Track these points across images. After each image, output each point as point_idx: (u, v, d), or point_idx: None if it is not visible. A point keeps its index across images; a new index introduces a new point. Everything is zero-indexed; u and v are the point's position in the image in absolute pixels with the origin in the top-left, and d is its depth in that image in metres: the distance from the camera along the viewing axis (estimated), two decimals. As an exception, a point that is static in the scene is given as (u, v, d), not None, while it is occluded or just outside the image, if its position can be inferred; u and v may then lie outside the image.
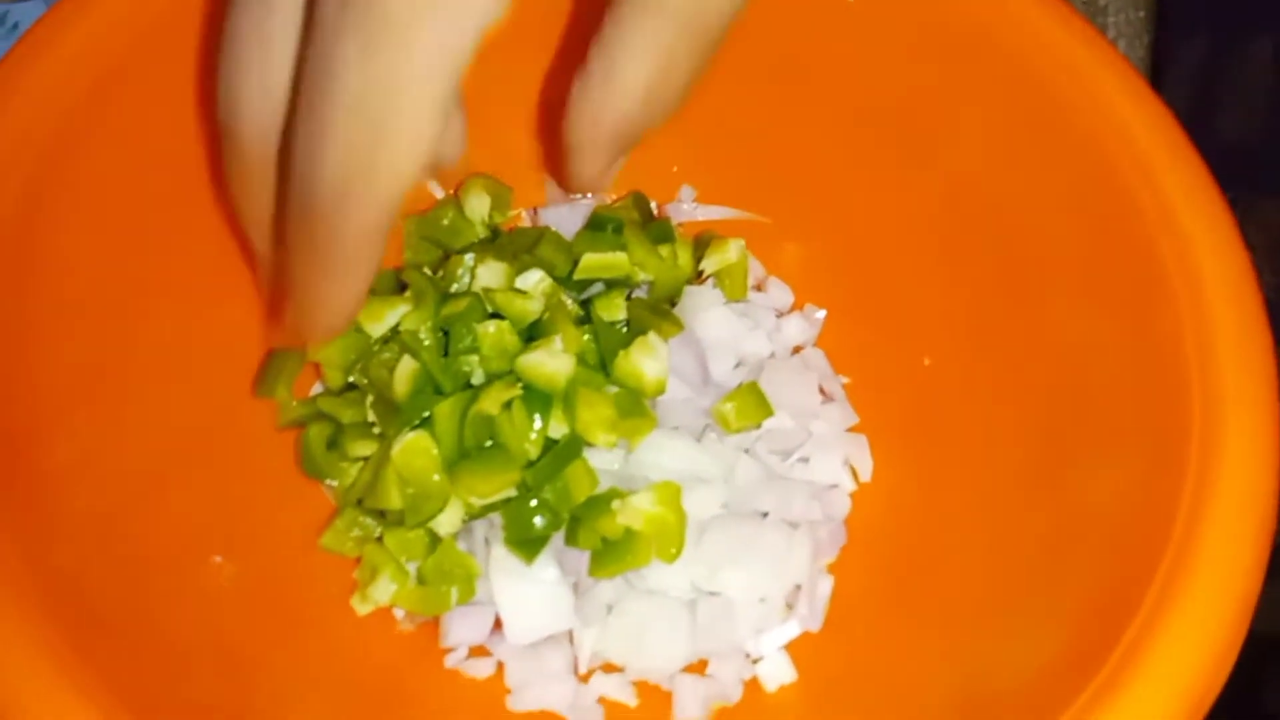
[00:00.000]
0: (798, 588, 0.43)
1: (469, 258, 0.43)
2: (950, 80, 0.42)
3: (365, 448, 0.42)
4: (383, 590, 0.40)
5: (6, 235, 0.35)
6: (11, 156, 0.36)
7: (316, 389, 0.45)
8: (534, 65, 0.46)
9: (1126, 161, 0.37)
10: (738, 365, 0.45)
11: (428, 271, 0.44)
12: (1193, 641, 0.31)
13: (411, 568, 0.41)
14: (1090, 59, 0.39)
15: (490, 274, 0.43)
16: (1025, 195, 0.41)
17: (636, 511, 0.40)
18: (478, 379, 0.41)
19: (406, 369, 0.41)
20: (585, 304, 0.43)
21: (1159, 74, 0.55)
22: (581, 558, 0.40)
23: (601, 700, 0.41)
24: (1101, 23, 0.58)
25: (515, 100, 0.47)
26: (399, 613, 0.43)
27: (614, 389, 0.41)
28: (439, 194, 0.48)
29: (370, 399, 0.42)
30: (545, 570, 0.41)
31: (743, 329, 0.45)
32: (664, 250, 0.45)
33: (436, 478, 0.39)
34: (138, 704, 0.30)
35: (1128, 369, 0.37)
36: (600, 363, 0.42)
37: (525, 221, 0.50)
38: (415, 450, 0.39)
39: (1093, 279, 0.39)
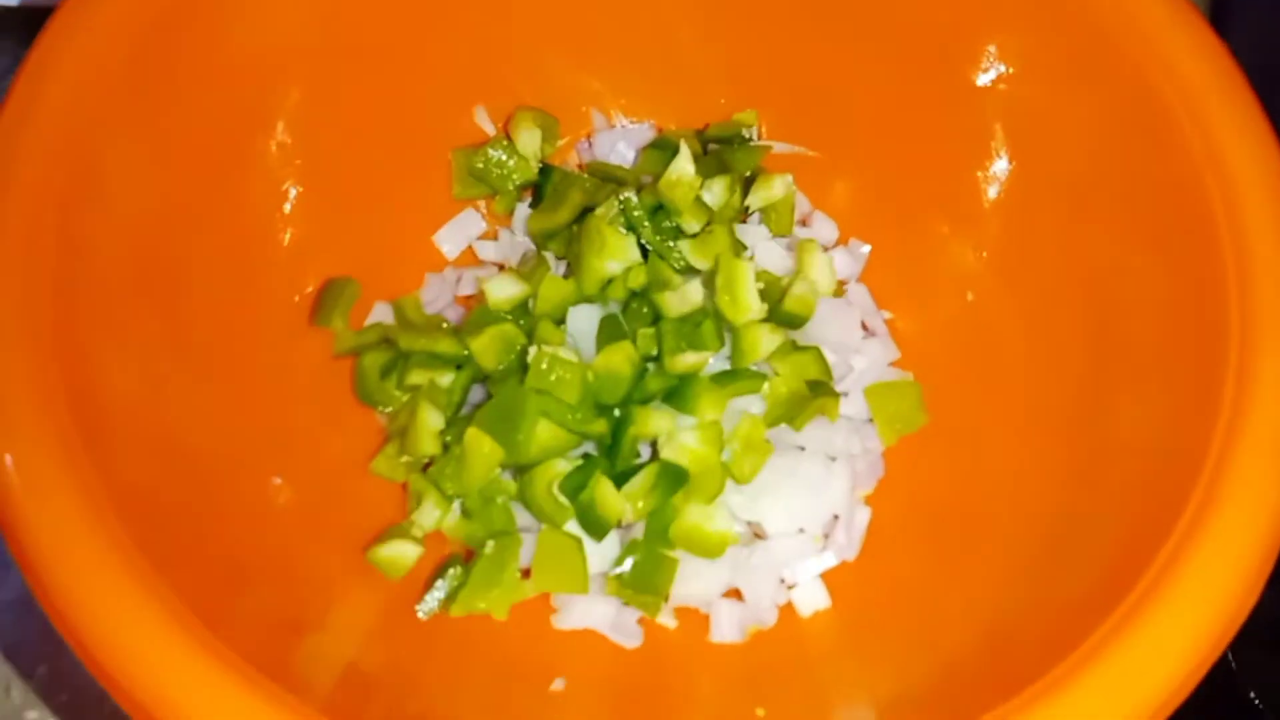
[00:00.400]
0: (835, 518, 0.43)
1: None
2: (996, 10, 0.42)
3: (421, 376, 0.44)
4: (427, 516, 0.42)
5: (71, 160, 0.37)
6: (78, 92, 0.37)
7: (372, 318, 0.47)
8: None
9: (1172, 92, 0.37)
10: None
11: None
12: (1216, 576, 0.32)
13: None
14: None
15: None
16: (1071, 129, 0.41)
17: (683, 448, 0.41)
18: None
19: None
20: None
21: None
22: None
23: (642, 621, 0.43)
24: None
25: (559, 33, 0.48)
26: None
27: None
28: (490, 129, 0.49)
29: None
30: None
31: (788, 266, 0.46)
32: (718, 182, 0.46)
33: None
34: (201, 606, 0.32)
35: (1167, 304, 0.37)
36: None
37: (574, 153, 0.50)
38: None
39: (1136, 212, 0.39)
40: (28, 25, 0.55)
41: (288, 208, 0.45)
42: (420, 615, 0.41)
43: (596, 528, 0.41)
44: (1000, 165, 0.43)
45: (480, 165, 0.48)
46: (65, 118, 0.37)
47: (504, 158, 0.48)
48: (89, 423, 0.34)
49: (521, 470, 0.42)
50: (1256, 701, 0.43)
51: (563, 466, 0.42)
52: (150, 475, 0.36)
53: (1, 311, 0.33)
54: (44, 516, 0.31)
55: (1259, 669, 0.43)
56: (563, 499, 0.42)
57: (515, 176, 0.48)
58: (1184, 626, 0.32)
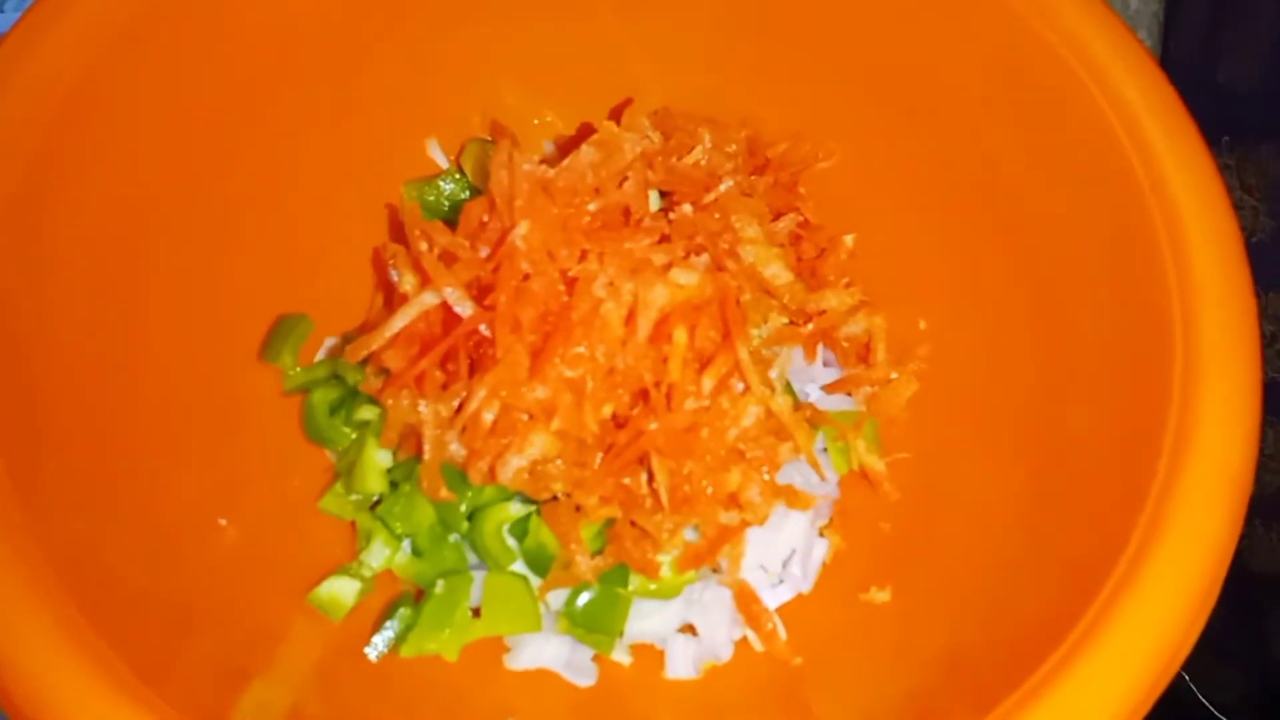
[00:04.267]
0: (793, 551, 0.43)
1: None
2: (949, 42, 0.42)
3: (370, 412, 0.43)
4: (376, 555, 0.41)
5: (17, 204, 0.36)
6: (19, 129, 0.37)
7: (321, 354, 0.46)
8: (527, 27, 0.46)
9: (1118, 124, 0.37)
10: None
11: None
12: (1166, 597, 0.32)
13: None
14: (1081, 18, 0.38)
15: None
16: (1018, 156, 0.41)
17: None
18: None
19: None
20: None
21: (1172, 17, 0.54)
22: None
23: (596, 658, 0.42)
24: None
25: (511, 65, 0.47)
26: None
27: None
28: (443, 161, 0.49)
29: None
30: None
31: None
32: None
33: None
34: (137, 659, 0.31)
35: (1114, 336, 0.37)
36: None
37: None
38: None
39: (1083, 235, 0.39)
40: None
41: (238, 241, 0.44)
42: (370, 657, 0.40)
43: (540, 566, 0.40)
44: (953, 194, 0.43)
45: (432, 198, 0.48)
46: (14, 143, 0.36)
47: (455, 189, 0.48)
48: (25, 472, 0.33)
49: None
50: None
51: (515, 509, 0.41)
52: (89, 524, 0.35)
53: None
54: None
55: (1214, 681, 0.44)
56: (510, 541, 0.41)
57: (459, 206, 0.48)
58: (1138, 646, 0.32)
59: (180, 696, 0.30)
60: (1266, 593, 0.46)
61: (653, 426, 0.39)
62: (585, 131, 0.47)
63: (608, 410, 0.39)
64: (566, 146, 0.47)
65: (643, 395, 0.40)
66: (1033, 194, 0.41)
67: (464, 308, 0.40)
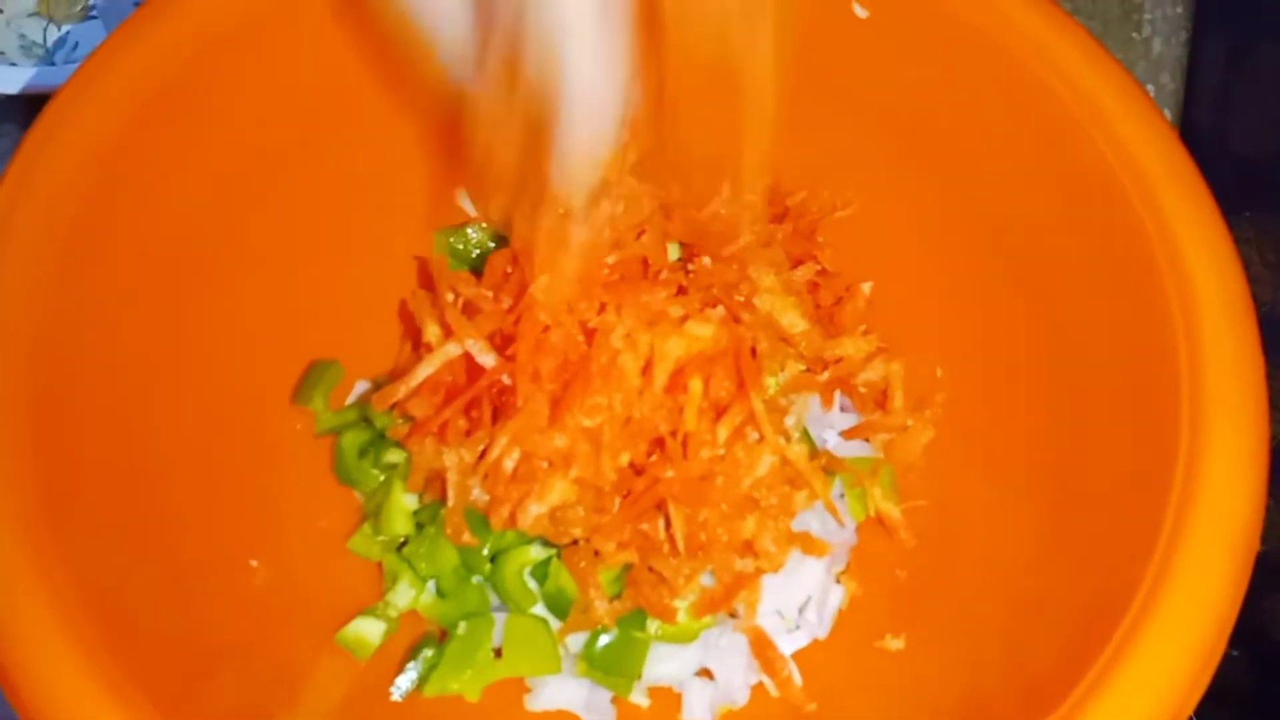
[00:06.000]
0: (809, 598, 0.44)
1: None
2: (957, 91, 0.43)
3: (397, 455, 0.45)
4: (402, 596, 0.43)
5: (64, 253, 0.38)
6: (72, 174, 0.39)
7: (351, 398, 0.47)
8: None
9: (1131, 186, 0.38)
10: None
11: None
12: (1177, 640, 0.33)
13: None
14: (1093, 74, 0.39)
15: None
16: (1034, 209, 0.42)
17: None
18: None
19: None
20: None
21: (1194, 71, 0.54)
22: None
23: (615, 700, 0.43)
24: (1138, 19, 0.57)
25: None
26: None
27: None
28: (471, 210, 0.50)
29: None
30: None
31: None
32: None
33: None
34: (163, 697, 0.32)
35: (1125, 377, 0.38)
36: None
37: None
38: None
39: (1095, 289, 0.40)
40: (28, 111, 0.58)
41: (273, 288, 0.46)
42: (394, 696, 0.42)
43: (560, 609, 0.41)
44: (967, 247, 0.44)
45: (460, 246, 0.49)
46: (60, 195, 0.38)
47: (483, 238, 0.49)
48: (59, 510, 0.35)
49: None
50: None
51: (536, 552, 0.43)
52: (120, 561, 0.36)
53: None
54: (4, 606, 0.32)
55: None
56: (531, 584, 0.42)
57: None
58: (1151, 688, 0.32)
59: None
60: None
61: (669, 474, 0.40)
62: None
63: (624, 459, 0.40)
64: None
65: (659, 443, 0.41)
66: (1047, 246, 0.41)
67: (486, 359, 0.41)
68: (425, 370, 0.42)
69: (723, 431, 0.40)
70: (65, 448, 0.36)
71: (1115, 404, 0.38)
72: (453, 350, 0.42)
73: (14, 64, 0.56)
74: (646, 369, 0.40)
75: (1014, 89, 0.41)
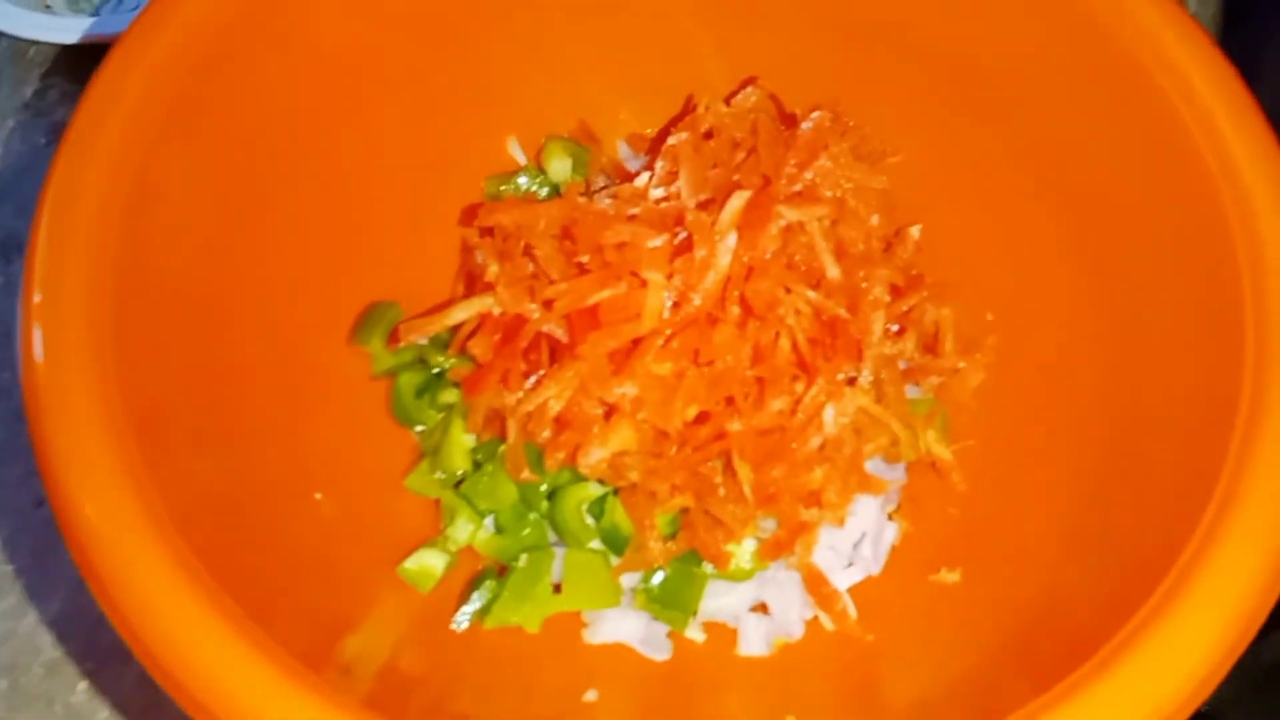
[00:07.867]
0: (863, 534, 0.44)
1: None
2: (1019, 37, 0.43)
3: (453, 395, 0.45)
4: (460, 531, 0.43)
5: (127, 189, 0.38)
6: (131, 128, 0.39)
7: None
8: (612, 29, 0.48)
9: (1188, 114, 0.38)
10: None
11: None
12: (1231, 585, 0.33)
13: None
14: (1150, 11, 0.39)
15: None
16: (1086, 147, 0.42)
17: None
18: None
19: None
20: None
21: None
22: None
23: (671, 635, 0.43)
24: None
25: (587, 63, 0.49)
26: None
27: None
28: (521, 159, 0.51)
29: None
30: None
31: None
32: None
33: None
34: (252, 605, 0.33)
35: (1184, 317, 0.38)
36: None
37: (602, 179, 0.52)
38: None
39: (1153, 225, 0.40)
40: (75, 64, 0.58)
41: (332, 231, 0.46)
42: (456, 628, 0.42)
43: (616, 546, 0.42)
44: (1026, 190, 0.44)
45: (510, 192, 0.50)
46: (126, 138, 0.38)
47: (531, 184, 0.50)
48: (146, 433, 0.35)
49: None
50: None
51: (594, 489, 0.43)
52: (203, 483, 0.37)
53: (67, 319, 0.35)
54: (105, 523, 0.33)
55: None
56: (589, 519, 0.43)
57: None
58: (1203, 628, 0.32)
59: (287, 636, 0.32)
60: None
61: (735, 427, 0.41)
62: (662, 136, 0.49)
63: (692, 411, 0.41)
64: (649, 146, 0.50)
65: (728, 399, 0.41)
66: (1101, 185, 0.42)
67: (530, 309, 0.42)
68: (459, 313, 0.44)
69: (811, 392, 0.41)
70: (149, 370, 0.37)
71: (1174, 345, 0.38)
72: (488, 301, 0.43)
73: (60, 15, 0.57)
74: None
75: (1066, 27, 0.41)
